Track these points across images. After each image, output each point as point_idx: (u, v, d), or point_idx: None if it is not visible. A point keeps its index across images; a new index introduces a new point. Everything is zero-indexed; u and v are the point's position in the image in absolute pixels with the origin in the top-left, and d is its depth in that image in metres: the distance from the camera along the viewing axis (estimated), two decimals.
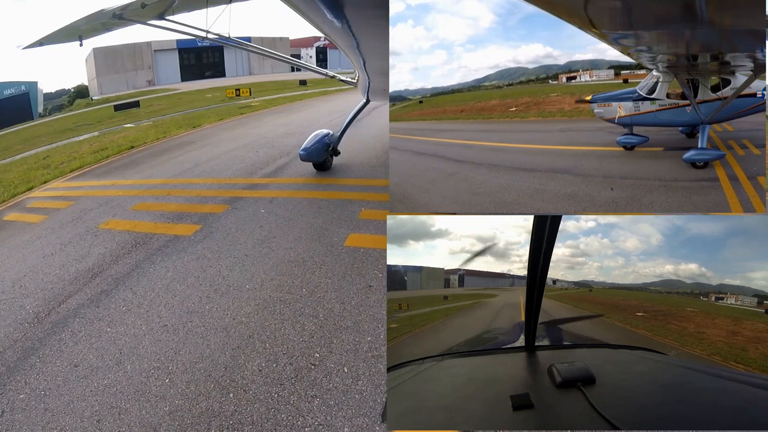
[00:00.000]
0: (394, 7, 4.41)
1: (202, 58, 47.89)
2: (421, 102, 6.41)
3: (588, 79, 4.98)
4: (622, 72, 4.64)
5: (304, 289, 4.30)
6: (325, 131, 8.56)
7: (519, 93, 5.66)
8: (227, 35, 6.91)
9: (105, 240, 5.90)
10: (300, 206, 6.48)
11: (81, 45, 7.08)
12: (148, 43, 43.50)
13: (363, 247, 5.02)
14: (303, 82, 33.01)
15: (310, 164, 8.49)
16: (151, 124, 18.29)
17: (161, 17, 6.20)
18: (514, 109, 5.51)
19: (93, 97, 40.51)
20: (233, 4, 6.36)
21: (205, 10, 6.09)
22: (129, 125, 19.21)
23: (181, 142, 13.28)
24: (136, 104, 26.56)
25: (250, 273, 4.71)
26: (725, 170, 3.60)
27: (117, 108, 25.79)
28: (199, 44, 41.94)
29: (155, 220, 6.42)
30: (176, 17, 6.35)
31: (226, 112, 20.11)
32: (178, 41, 42.69)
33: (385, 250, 4.79)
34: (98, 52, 41.17)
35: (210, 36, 6.54)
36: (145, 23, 6.26)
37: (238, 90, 26.90)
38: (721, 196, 3.33)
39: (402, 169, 4.79)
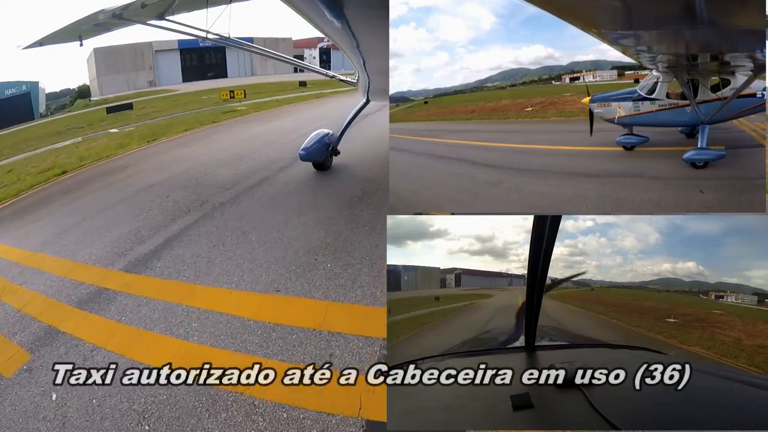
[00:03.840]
0: (397, 9, 4.30)
1: (203, 59, 47.73)
2: (426, 102, 6.39)
3: (591, 79, 4.94)
4: (626, 72, 4.61)
5: None
6: (325, 131, 8.57)
7: (530, 93, 5.43)
8: (227, 35, 6.92)
9: None
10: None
11: (81, 45, 7.12)
12: (149, 44, 43.41)
13: None
14: (302, 84, 32.71)
15: (196, 249, 5.64)
16: (131, 131, 17.26)
17: (161, 17, 6.22)
18: (530, 108, 5.36)
19: (90, 98, 40.30)
20: (233, 5, 6.38)
21: (205, 10, 6.11)
22: (114, 130, 18.36)
23: (114, 167, 11.14)
24: (129, 106, 25.49)
25: None
26: None
27: (109, 110, 24.86)
28: (201, 45, 41.61)
29: None
30: (176, 17, 6.37)
31: (205, 118, 18.36)
32: (180, 41, 42.48)
33: None
34: (99, 52, 40.96)
35: (210, 36, 6.56)
36: (145, 23, 6.28)
37: (232, 92, 25.95)
38: None
39: (419, 174, 4.11)
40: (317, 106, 20.93)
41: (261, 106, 22.21)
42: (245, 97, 25.39)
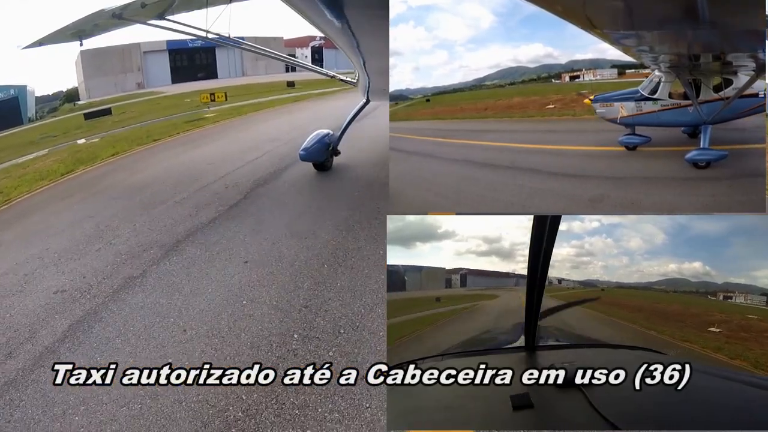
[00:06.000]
0: (396, 8, 4.27)
1: (193, 60, 46.07)
2: (428, 100, 6.32)
3: (592, 78, 4.88)
4: (627, 71, 4.57)
5: None
6: (325, 131, 8.57)
7: (543, 91, 5.14)
8: (227, 35, 6.93)
9: None
10: None
11: (81, 45, 7.13)
12: (137, 45, 42.05)
13: None
14: (290, 84, 31.65)
15: None
16: (85, 147, 15.14)
17: (161, 17, 6.23)
18: (551, 106, 5.18)
19: (75, 102, 39.05)
20: (233, 4, 6.38)
21: (205, 10, 6.11)
22: (80, 141, 16.76)
23: None
24: (108, 112, 24.35)
25: None
26: None
27: (87, 116, 23.41)
28: (190, 45, 41.06)
29: None
30: (176, 17, 6.38)
31: (157, 131, 16.01)
32: (168, 42, 41.33)
33: None
34: (86, 54, 38.50)
35: (210, 36, 6.56)
36: (145, 23, 6.29)
37: (213, 94, 24.58)
38: None
39: (480, 192, 3.39)
40: (302, 110, 19.21)
41: (235, 111, 20.60)
42: (227, 99, 24.16)
